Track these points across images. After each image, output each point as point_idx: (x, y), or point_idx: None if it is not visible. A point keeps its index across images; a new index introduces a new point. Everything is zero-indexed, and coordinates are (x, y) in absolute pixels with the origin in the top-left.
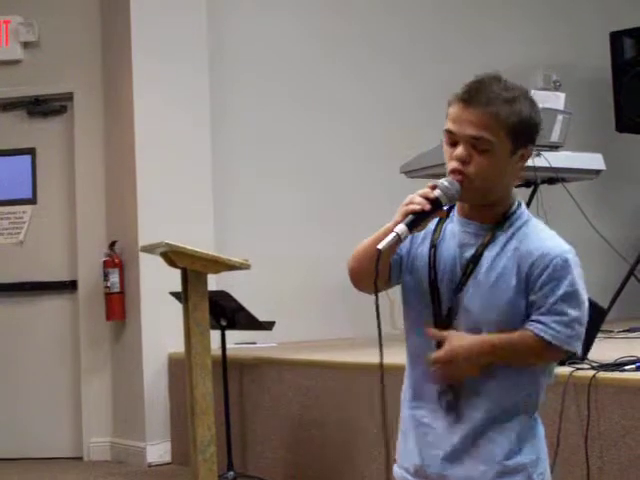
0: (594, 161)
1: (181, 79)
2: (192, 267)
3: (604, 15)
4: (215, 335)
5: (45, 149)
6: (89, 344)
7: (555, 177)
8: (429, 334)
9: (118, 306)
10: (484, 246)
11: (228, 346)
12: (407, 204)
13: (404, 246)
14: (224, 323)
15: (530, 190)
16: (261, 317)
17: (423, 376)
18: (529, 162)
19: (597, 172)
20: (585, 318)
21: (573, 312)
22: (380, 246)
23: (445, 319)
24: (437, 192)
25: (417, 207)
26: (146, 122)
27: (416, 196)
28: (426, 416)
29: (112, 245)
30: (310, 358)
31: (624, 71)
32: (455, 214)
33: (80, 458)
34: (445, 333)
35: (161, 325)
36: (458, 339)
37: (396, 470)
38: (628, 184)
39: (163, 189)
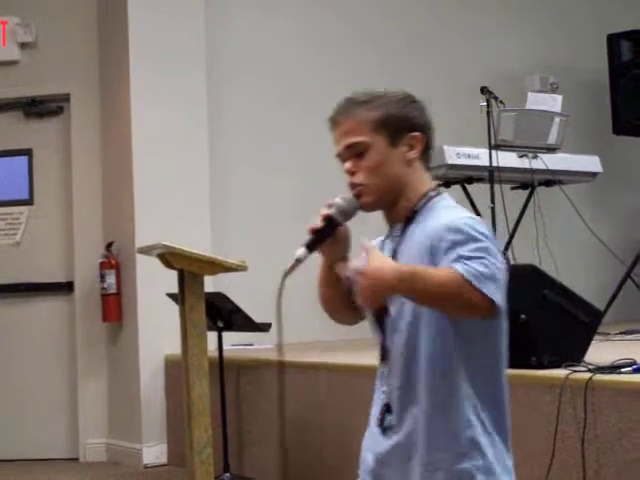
0: (591, 163)
1: (178, 80)
2: (189, 269)
3: (601, 17)
4: (212, 336)
5: (42, 150)
6: (85, 345)
7: (552, 179)
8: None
9: (114, 307)
10: (397, 244)
11: (225, 347)
12: None
13: None
14: (221, 324)
15: (527, 192)
16: (257, 319)
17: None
18: (526, 164)
19: (594, 174)
20: (499, 268)
21: (488, 257)
22: (285, 273)
23: (384, 331)
24: (331, 210)
25: (311, 225)
26: (143, 123)
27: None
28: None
29: (109, 246)
30: (307, 360)
31: (621, 73)
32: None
33: (76, 459)
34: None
35: (158, 326)
36: (381, 254)
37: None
38: (625, 186)
39: (160, 190)
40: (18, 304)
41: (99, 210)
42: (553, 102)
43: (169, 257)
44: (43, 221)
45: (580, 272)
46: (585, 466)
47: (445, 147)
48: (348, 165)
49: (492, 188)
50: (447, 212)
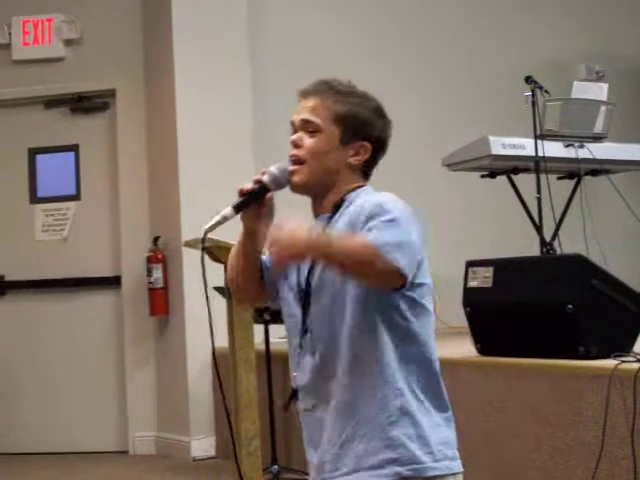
0: (638, 152)
1: (223, 73)
2: None
3: None
4: (258, 329)
5: (88, 145)
6: (133, 339)
7: (599, 169)
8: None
9: (161, 301)
10: None
11: (271, 340)
12: None
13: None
14: (267, 317)
15: (573, 182)
16: None
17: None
18: (572, 154)
19: None
20: (409, 239)
21: (397, 228)
22: (206, 226)
23: (305, 318)
24: (264, 177)
25: (242, 187)
26: (188, 117)
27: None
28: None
29: (155, 240)
30: None
31: None
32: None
33: (126, 452)
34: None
35: (205, 320)
36: (301, 221)
37: None
38: None
39: (206, 184)
40: (66, 299)
41: (145, 205)
42: (599, 91)
43: (215, 250)
44: (90, 216)
45: (628, 261)
46: (635, 457)
47: (490, 138)
48: (295, 137)
49: (538, 178)
50: (367, 196)
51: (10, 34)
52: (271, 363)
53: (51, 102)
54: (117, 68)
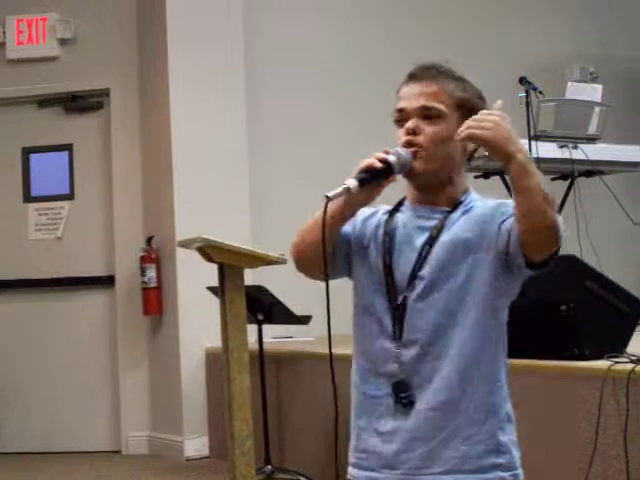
0: (632, 153)
1: (216, 72)
2: (229, 262)
3: None
4: (252, 329)
5: (82, 145)
6: (126, 339)
7: (593, 170)
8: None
9: (155, 301)
10: (439, 230)
11: (265, 340)
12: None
13: (352, 233)
14: (261, 317)
15: (567, 183)
16: (298, 311)
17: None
18: (566, 154)
19: (636, 164)
20: None
21: None
22: (329, 194)
23: (399, 304)
24: (391, 157)
25: (369, 162)
26: (182, 116)
27: (372, 157)
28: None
29: (149, 240)
30: (347, 352)
31: None
32: (406, 204)
33: (118, 452)
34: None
35: (198, 320)
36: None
37: None
38: None
39: (199, 183)
40: (60, 298)
41: (139, 204)
42: (593, 92)
43: (209, 250)
44: (84, 216)
45: (621, 263)
46: (627, 457)
47: None
48: (412, 124)
49: None
50: (487, 200)
51: (4, 33)
52: (264, 363)
53: (45, 101)
54: (111, 67)
